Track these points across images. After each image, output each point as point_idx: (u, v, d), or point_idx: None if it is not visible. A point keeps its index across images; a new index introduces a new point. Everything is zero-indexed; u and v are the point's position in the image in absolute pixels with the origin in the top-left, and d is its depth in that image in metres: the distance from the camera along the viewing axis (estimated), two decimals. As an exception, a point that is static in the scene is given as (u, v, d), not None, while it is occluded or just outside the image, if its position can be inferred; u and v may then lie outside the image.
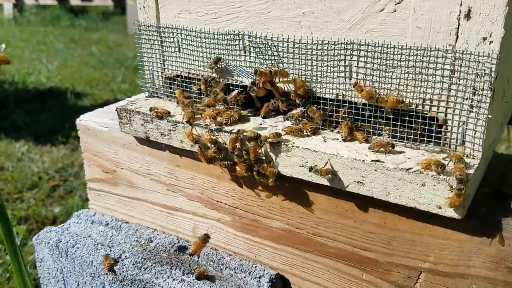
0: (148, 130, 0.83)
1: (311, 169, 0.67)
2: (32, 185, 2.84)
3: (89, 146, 0.96)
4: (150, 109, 0.81)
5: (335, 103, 0.72)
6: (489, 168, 0.71)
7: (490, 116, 0.60)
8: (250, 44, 0.76)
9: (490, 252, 0.60)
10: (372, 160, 0.63)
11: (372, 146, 0.65)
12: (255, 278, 0.77)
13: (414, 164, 0.62)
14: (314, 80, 0.72)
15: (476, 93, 0.60)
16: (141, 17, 0.86)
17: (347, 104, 0.71)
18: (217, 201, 0.82)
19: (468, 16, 0.58)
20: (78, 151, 3.37)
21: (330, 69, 0.70)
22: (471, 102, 0.61)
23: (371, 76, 0.67)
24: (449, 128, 0.63)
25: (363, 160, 0.64)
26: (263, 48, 0.75)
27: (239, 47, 0.78)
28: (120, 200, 0.96)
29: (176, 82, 0.87)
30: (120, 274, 0.81)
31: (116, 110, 0.86)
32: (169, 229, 0.91)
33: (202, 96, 0.84)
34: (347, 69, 0.69)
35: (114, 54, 6.44)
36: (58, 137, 3.65)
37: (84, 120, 0.95)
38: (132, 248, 0.86)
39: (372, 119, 0.69)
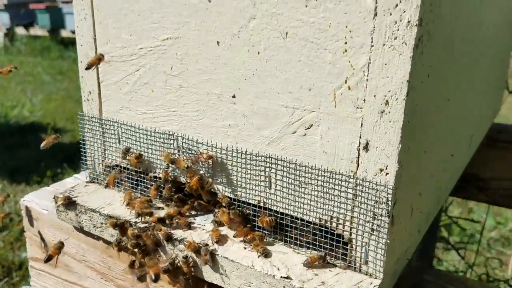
0: (82, 221, 0.86)
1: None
2: (2, 227, 2.82)
3: (30, 226, 0.98)
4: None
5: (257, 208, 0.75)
6: (400, 279, 0.74)
7: (388, 241, 0.64)
8: (184, 145, 0.80)
9: None
10: (281, 277, 0.66)
11: (307, 262, 0.68)
12: None
13: (319, 283, 0.65)
14: (239, 186, 0.76)
15: (376, 218, 0.64)
16: (85, 108, 0.90)
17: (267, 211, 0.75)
18: (146, 293, 0.85)
19: (366, 148, 0.62)
20: (51, 192, 3.34)
21: (253, 177, 0.74)
22: (372, 225, 0.65)
23: (287, 189, 0.71)
24: (354, 247, 0.67)
25: (273, 276, 0.67)
26: (195, 150, 0.79)
27: (174, 146, 0.81)
28: (58, 282, 0.97)
29: (116, 170, 0.90)
30: None
31: (53, 197, 0.89)
32: (101, 316, 0.92)
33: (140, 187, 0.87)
34: (267, 179, 0.73)
35: (100, 88, 6.44)
36: (33, 176, 3.64)
37: (27, 201, 0.98)
38: (63, 334, 0.87)
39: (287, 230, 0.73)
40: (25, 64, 7.56)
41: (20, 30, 8.95)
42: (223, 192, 0.78)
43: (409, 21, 0.53)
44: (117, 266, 0.86)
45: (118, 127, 0.87)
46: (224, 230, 0.77)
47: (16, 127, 4.66)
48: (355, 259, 0.67)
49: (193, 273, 0.73)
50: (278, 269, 0.68)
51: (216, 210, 0.78)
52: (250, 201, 0.76)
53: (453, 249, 1.89)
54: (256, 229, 0.76)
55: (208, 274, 0.73)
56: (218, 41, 0.70)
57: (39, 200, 0.97)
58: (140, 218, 0.81)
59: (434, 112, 0.72)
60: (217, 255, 0.71)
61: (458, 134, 0.97)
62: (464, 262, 2.50)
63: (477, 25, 0.89)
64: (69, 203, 0.86)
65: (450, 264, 2.43)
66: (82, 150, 0.93)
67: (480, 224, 2.62)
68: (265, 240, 0.75)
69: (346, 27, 0.58)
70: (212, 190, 0.79)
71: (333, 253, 0.69)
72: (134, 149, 0.86)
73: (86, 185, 0.93)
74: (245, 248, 0.73)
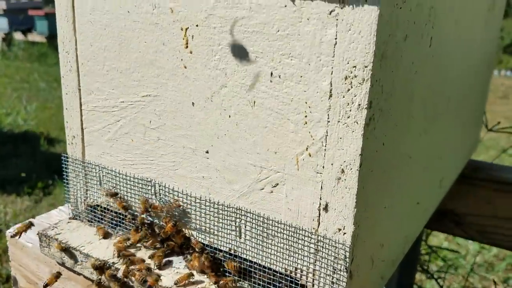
0: (63, 257, 0.90)
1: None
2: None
3: (15, 257, 1.02)
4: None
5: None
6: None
7: (346, 295, 0.69)
8: (160, 192, 0.85)
9: None
10: (244, 324, 0.71)
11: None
12: None
13: (279, 332, 0.70)
14: (212, 233, 0.81)
15: (336, 272, 0.69)
16: (69, 151, 0.95)
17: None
18: (122, 330, 0.89)
19: (326, 209, 0.68)
20: (42, 203, 3.38)
21: (225, 226, 0.79)
22: (332, 279, 0.69)
23: (256, 240, 0.76)
24: (315, 298, 0.72)
25: (237, 323, 0.71)
26: (170, 197, 0.84)
27: (151, 192, 0.86)
28: (39, 312, 1.01)
29: (97, 210, 0.95)
30: None
31: (37, 234, 0.93)
32: None
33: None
34: (237, 229, 0.78)
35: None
36: (24, 187, 3.66)
37: (12, 233, 1.02)
38: None
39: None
40: (21, 69, 7.59)
41: (18, 36, 8.99)
42: (197, 238, 0.83)
43: (359, 104, 0.59)
44: (95, 303, 0.91)
45: (99, 170, 0.92)
46: (196, 276, 0.81)
47: (10, 135, 4.69)
48: (316, 310, 0.72)
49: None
50: (244, 316, 0.73)
51: (188, 256, 0.83)
52: (222, 248, 0.80)
53: (432, 278, 1.93)
54: (227, 274, 0.81)
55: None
56: (193, 102, 0.75)
57: (25, 233, 1.01)
58: (119, 259, 0.85)
59: (394, 172, 0.77)
60: (188, 300, 0.76)
61: (425, 181, 1.02)
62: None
63: (446, 69, 0.93)
64: (50, 240, 0.91)
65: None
66: (66, 188, 0.98)
67: (462, 250, 2.68)
68: (236, 285, 0.79)
69: (306, 103, 0.63)
70: (186, 235, 0.84)
71: (296, 303, 0.74)
72: (119, 192, 0.90)
73: (69, 221, 0.97)
74: (215, 294, 0.78)
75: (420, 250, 1.85)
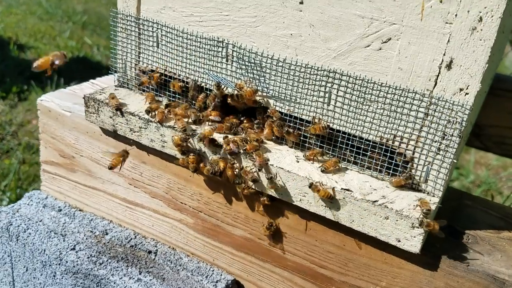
0: (116, 124, 0.81)
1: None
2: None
3: (48, 128, 0.92)
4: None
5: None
6: (442, 202, 0.77)
7: (455, 160, 0.64)
8: (234, 54, 0.76)
9: (439, 285, 0.65)
10: (342, 188, 0.66)
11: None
12: (212, 282, 0.79)
13: (379, 196, 0.65)
14: (293, 100, 0.74)
15: (445, 138, 0.64)
16: (120, 5, 0.83)
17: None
18: (181, 202, 0.83)
19: (449, 66, 0.61)
20: (17, 108, 3.18)
21: (310, 93, 0.72)
22: (439, 145, 0.65)
23: (348, 106, 0.70)
24: (415, 166, 0.67)
25: (333, 188, 0.66)
26: (247, 60, 0.75)
27: (222, 55, 0.77)
28: (75, 187, 0.93)
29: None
30: (74, 266, 0.80)
31: (83, 98, 0.83)
32: (126, 223, 0.90)
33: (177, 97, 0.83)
34: (327, 95, 0.71)
35: (62, 5, 6.07)
36: (-3, 91, 3.42)
37: (45, 101, 0.91)
38: (86, 239, 0.85)
39: (342, 147, 0.72)
40: (-23, -30, 6.90)
41: None
42: (274, 106, 0.76)
43: None
44: (150, 173, 0.84)
45: (157, 28, 0.81)
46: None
47: (-25, 38, 4.31)
48: (414, 178, 0.68)
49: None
50: (336, 182, 0.68)
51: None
52: (303, 117, 0.74)
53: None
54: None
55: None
56: None
57: (60, 101, 0.91)
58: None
59: (501, 39, 0.71)
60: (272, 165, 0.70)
61: (494, 70, 0.98)
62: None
63: None
64: (100, 104, 0.81)
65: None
66: (112, 51, 0.87)
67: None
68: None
69: None
70: (262, 104, 0.76)
71: (390, 171, 0.69)
72: (176, 57, 0.80)
73: (116, 89, 0.87)
74: (298, 162, 0.72)
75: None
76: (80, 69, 3.78)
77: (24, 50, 4.27)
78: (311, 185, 0.67)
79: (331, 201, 0.66)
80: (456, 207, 0.77)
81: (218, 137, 0.75)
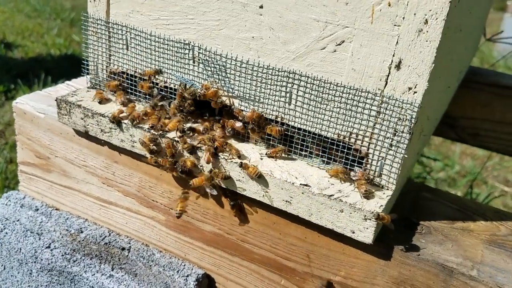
0: (87, 125, 0.84)
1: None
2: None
3: (24, 130, 0.94)
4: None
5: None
6: (401, 195, 0.80)
7: (406, 156, 0.68)
8: (200, 56, 0.79)
9: (393, 274, 0.69)
10: (300, 184, 0.69)
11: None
12: (182, 276, 0.82)
13: (336, 191, 0.69)
14: (257, 100, 0.77)
15: (396, 134, 0.67)
16: (90, 9, 0.85)
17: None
18: (153, 200, 0.86)
19: (398, 66, 0.65)
20: (4, 107, 3.19)
21: (272, 93, 0.75)
22: (391, 141, 0.68)
23: (308, 105, 0.73)
24: (370, 161, 0.71)
25: (292, 183, 0.70)
26: (212, 62, 0.78)
27: (189, 57, 0.80)
28: (52, 186, 0.96)
29: (120, 78, 0.88)
30: (48, 264, 0.83)
31: (56, 100, 0.85)
32: (100, 221, 0.93)
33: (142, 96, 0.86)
34: (288, 95, 0.74)
35: (51, 2, 6.05)
36: (-17, 91, 3.42)
37: (20, 103, 0.93)
38: (62, 237, 0.88)
39: (305, 143, 0.75)
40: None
41: None
42: (239, 106, 0.78)
43: None
44: (122, 172, 0.86)
45: (126, 32, 0.84)
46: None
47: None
48: (369, 172, 0.71)
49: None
50: (296, 177, 0.71)
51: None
52: (267, 116, 0.77)
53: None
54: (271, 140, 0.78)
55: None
56: None
57: (35, 103, 0.93)
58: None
59: (453, 38, 0.74)
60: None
61: (454, 66, 1.01)
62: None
63: None
64: (71, 106, 0.84)
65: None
66: (84, 54, 0.89)
67: (436, 161, 2.81)
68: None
69: None
70: (227, 103, 0.79)
71: (348, 166, 0.73)
72: (145, 59, 0.83)
73: (88, 90, 0.89)
74: (262, 159, 0.75)
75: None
76: (67, 66, 3.78)
77: (11, 49, 4.26)
78: (241, 165, 0.72)
79: (259, 177, 0.71)
80: (415, 199, 0.80)
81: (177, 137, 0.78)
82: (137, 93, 0.87)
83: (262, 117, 0.76)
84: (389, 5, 0.62)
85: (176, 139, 0.78)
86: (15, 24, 4.87)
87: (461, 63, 1.16)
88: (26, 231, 0.88)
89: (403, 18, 0.62)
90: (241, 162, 0.72)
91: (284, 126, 0.76)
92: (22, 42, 4.43)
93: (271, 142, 0.78)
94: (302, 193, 0.69)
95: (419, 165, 2.31)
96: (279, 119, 0.76)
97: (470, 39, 1.18)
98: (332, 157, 0.74)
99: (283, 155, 0.77)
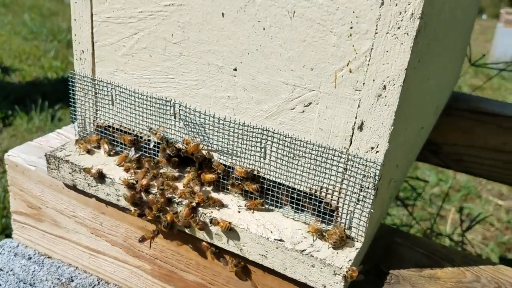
0: (75, 179, 0.88)
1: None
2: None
3: (16, 181, 0.99)
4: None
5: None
6: (375, 240, 0.84)
7: (373, 210, 0.72)
8: (181, 112, 0.83)
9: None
10: (275, 239, 0.73)
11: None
12: (168, 323, 0.85)
13: (308, 245, 0.72)
14: (235, 154, 0.81)
15: (363, 190, 0.71)
16: (77, 67, 0.90)
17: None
18: (138, 250, 0.89)
19: (361, 128, 0.69)
20: (2, 134, 3.23)
21: (248, 148, 0.79)
22: (358, 196, 0.72)
23: (281, 160, 0.77)
24: (340, 214, 0.74)
25: (267, 238, 0.73)
26: (192, 118, 0.82)
27: (170, 113, 0.84)
28: (44, 235, 1.00)
29: (107, 132, 0.92)
30: (39, 313, 0.86)
31: (45, 155, 0.89)
32: (90, 269, 0.96)
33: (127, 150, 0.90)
34: (262, 150, 0.78)
35: (47, 24, 6.11)
36: (-18, 117, 3.47)
37: (12, 156, 0.97)
38: (54, 287, 0.91)
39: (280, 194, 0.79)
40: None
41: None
42: (218, 159, 0.82)
43: (412, 14, 0.58)
44: (109, 223, 0.90)
45: (112, 88, 0.88)
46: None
47: (-41, 63, 4.36)
48: (340, 224, 0.75)
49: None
50: (271, 232, 0.75)
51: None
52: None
53: (403, 205, 2.05)
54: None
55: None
56: (223, 13, 0.72)
57: (26, 155, 0.97)
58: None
59: (417, 93, 0.79)
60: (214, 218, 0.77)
61: (428, 107, 1.06)
62: (408, 216, 2.72)
63: (454, 9, 0.95)
64: (60, 161, 0.88)
65: (397, 217, 2.64)
66: (72, 108, 0.93)
67: (421, 182, 2.83)
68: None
69: (353, 12, 0.62)
70: (207, 157, 0.83)
71: (320, 219, 0.77)
72: (130, 114, 0.87)
73: (76, 144, 0.94)
74: (239, 212, 0.79)
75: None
76: (64, 89, 3.83)
77: (8, 73, 4.31)
78: (211, 221, 0.76)
79: (230, 230, 0.75)
80: (388, 244, 0.84)
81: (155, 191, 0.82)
82: (120, 144, 0.91)
83: (249, 173, 0.80)
84: (350, 72, 0.66)
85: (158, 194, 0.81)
86: (12, 48, 4.94)
87: (437, 99, 1.20)
88: (19, 281, 0.92)
89: (363, 83, 0.66)
90: (211, 218, 0.76)
91: (261, 179, 0.80)
92: (20, 66, 4.49)
93: (248, 194, 0.82)
94: (276, 248, 0.73)
95: (410, 188, 2.34)
96: (255, 173, 0.80)
97: (445, 75, 1.22)
98: (305, 209, 0.78)
99: (260, 207, 0.80)
